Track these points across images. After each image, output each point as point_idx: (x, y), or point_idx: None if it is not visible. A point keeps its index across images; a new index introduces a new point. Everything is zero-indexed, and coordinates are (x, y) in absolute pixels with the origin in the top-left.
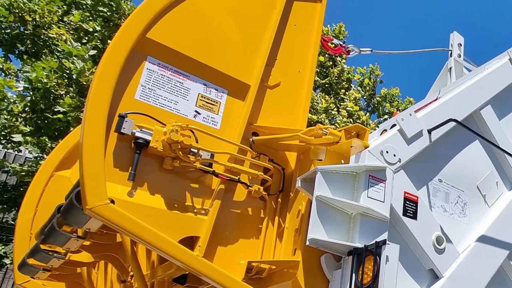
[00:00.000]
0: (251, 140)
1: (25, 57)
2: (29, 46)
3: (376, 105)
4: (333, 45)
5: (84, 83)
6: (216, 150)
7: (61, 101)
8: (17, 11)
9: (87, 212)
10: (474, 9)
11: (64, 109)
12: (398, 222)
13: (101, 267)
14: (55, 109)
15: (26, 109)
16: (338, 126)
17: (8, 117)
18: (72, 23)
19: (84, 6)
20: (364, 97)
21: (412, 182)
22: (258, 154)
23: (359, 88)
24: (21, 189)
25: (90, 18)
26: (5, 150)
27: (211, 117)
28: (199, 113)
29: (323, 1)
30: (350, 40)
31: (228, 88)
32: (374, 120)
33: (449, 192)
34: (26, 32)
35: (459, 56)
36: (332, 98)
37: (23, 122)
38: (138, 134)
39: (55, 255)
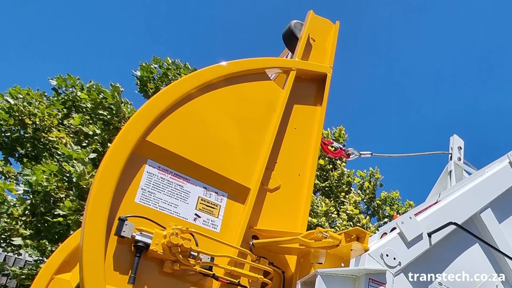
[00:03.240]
0: (251, 243)
1: (25, 160)
2: (29, 149)
3: (376, 208)
4: (333, 148)
5: (84, 186)
6: (216, 253)
7: (61, 204)
8: (17, 114)
9: None
10: (474, 113)
11: (64, 212)
12: None
13: None
14: (55, 212)
15: (26, 212)
16: (338, 229)
17: (8, 220)
18: (72, 126)
19: (84, 109)
20: (364, 200)
21: (412, 285)
22: (258, 257)
23: (359, 191)
24: None
25: (90, 121)
26: (5, 253)
27: (211, 220)
28: (199, 216)
29: (323, 104)
30: (350, 143)
31: (228, 191)
32: (374, 223)
33: None
34: (26, 135)
35: (459, 159)
36: (332, 201)
37: (23, 225)
38: (138, 237)
39: None
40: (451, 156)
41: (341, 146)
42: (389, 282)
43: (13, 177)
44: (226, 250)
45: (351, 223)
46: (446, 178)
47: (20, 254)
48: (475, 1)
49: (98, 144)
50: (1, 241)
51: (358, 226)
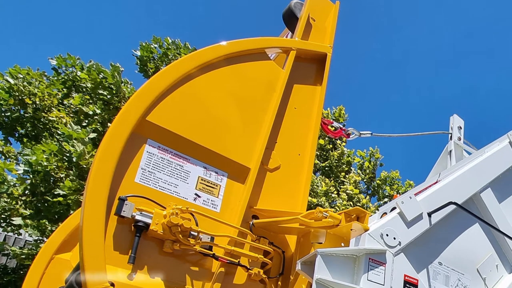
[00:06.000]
0: (251, 223)
1: (25, 140)
2: (29, 129)
3: (376, 188)
4: (333, 128)
5: (84, 166)
6: (216, 233)
7: (61, 184)
8: (17, 94)
9: None
10: (474, 93)
11: (64, 192)
12: None
13: None
14: (55, 192)
15: (26, 192)
16: (338, 209)
17: (8, 200)
18: (72, 106)
19: (84, 89)
20: (364, 180)
21: (412, 265)
22: (258, 237)
23: (359, 171)
24: (21, 272)
25: (90, 101)
26: (5, 233)
27: (211, 200)
28: (199, 196)
29: (323, 84)
30: (350, 123)
31: (228, 171)
32: (374, 203)
33: (449, 275)
34: (26, 115)
35: (459, 139)
36: (332, 181)
37: (23, 205)
38: (138, 217)
39: None
40: (451, 136)
41: (341, 126)
42: (389, 262)
43: (13, 157)
44: (226, 230)
45: (351, 203)
46: (446, 158)
47: (20, 234)
48: None
49: (98, 124)
50: (1, 221)
51: (358, 206)
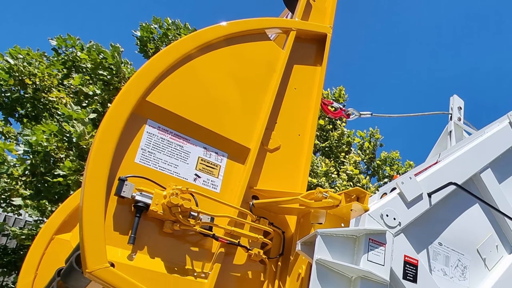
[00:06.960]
0: (251, 203)
1: (25, 120)
2: (29, 109)
3: (376, 169)
4: (333, 109)
5: (84, 146)
6: (216, 213)
7: (61, 164)
8: (17, 74)
9: (87, 275)
10: (474, 73)
11: (64, 173)
12: (398, 285)
13: None
14: (55, 173)
15: (26, 172)
16: (338, 190)
17: (8, 180)
18: (72, 86)
19: (84, 70)
20: (364, 161)
21: (412, 245)
22: (258, 217)
23: (359, 151)
24: (21, 252)
25: (90, 82)
26: (5, 213)
27: (211, 181)
28: (199, 177)
29: (323, 65)
30: (350, 104)
31: (228, 152)
32: (374, 184)
33: (449, 256)
34: (26, 95)
35: (459, 119)
36: (332, 161)
37: (23, 186)
38: (138, 198)
39: None
40: (451, 117)
41: (341, 106)
42: (389, 242)
43: (13, 137)
44: (226, 210)
45: (351, 183)
46: (446, 138)
47: (20, 214)
48: None
49: (98, 104)
50: (1, 201)
51: (358, 186)
